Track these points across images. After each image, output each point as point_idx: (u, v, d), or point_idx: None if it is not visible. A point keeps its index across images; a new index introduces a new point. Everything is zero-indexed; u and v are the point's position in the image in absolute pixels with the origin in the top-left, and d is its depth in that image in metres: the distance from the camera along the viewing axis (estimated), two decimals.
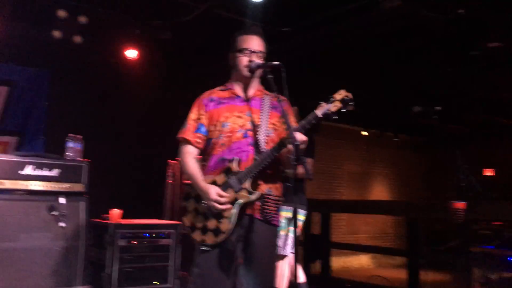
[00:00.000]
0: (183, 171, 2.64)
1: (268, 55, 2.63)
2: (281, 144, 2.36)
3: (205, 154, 2.61)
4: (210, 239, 2.42)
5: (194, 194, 2.53)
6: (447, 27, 5.06)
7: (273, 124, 2.57)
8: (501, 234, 5.57)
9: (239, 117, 2.53)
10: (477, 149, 9.84)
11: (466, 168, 3.48)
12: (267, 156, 2.39)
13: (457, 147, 3.61)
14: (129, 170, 5.69)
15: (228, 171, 2.45)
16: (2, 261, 3.71)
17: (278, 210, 2.54)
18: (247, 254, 2.46)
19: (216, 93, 2.64)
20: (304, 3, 4.84)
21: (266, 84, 2.53)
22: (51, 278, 3.89)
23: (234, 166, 2.43)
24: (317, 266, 7.03)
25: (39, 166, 3.99)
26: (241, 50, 2.56)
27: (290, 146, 2.24)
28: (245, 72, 2.55)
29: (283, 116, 2.41)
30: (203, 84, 2.87)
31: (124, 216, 4.55)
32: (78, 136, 4.28)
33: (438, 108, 3.68)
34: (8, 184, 3.85)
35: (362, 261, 9.99)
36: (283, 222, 3.21)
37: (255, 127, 2.51)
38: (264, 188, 2.48)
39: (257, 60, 2.53)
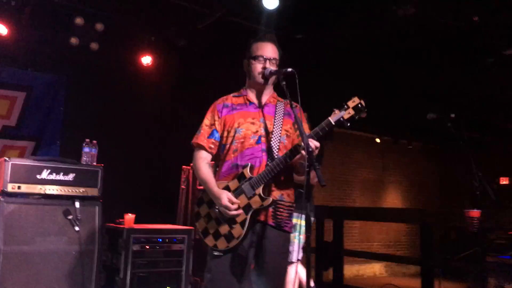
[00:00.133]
0: (196, 176, 2.66)
1: (282, 62, 2.64)
2: (294, 150, 2.37)
3: (218, 159, 2.63)
4: (222, 244, 2.43)
5: (207, 199, 2.55)
6: (463, 33, 5.03)
7: (286, 130, 2.58)
8: None
9: (253, 123, 2.55)
10: (493, 157, 9.72)
11: (481, 176, 3.44)
12: (280, 163, 2.40)
13: (472, 155, 3.57)
14: (143, 175, 5.74)
15: (241, 177, 2.46)
16: (18, 264, 3.76)
17: (290, 217, 2.55)
18: (259, 260, 2.47)
19: (231, 99, 2.66)
20: (318, 11, 4.85)
21: (280, 90, 2.55)
22: (65, 281, 3.93)
23: (247, 172, 2.45)
24: (329, 274, 6.99)
25: (56, 170, 4.04)
26: (255, 57, 2.59)
27: (303, 152, 2.25)
28: (259, 79, 2.57)
29: (296, 122, 2.42)
30: (217, 90, 2.90)
31: (137, 221, 4.58)
32: (93, 141, 4.34)
33: (452, 115, 3.66)
34: (25, 188, 3.90)
35: (375, 269, 9.90)
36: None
37: (268, 134, 2.53)
38: (276, 194, 2.49)
39: (271, 67, 2.55)
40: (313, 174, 2.19)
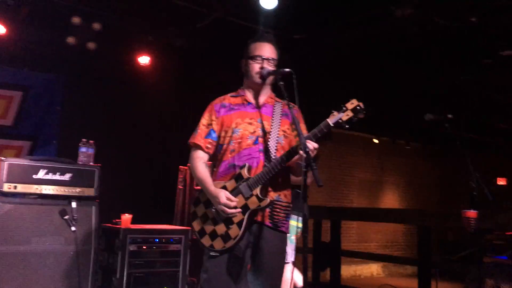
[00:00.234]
0: (193, 176, 2.65)
1: (280, 62, 2.64)
2: (293, 151, 2.37)
3: (215, 159, 2.63)
4: (218, 244, 2.43)
5: (203, 199, 2.54)
6: (460, 34, 5.04)
7: (284, 131, 2.58)
8: None
9: (250, 123, 2.55)
10: (490, 157, 9.75)
11: (478, 176, 3.44)
12: (278, 164, 2.39)
13: (470, 156, 3.57)
14: (140, 175, 5.72)
15: (238, 177, 2.45)
16: (14, 264, 3.74)
17: (287, 217, 2.55)
18: (255, 261, 2.47)
19: (228, 99, 2.65)
20: (317, 11, 4.85)
21: (277, 91, 2.54)
22: (62, 282, 3.92)
23: (245, 172, 2.44)
24: (327, 275, 6.99)
25: (52, 170, 4.03)
26: (253, 57, 2.59)
27: (301, 152, 2.25)
28: (257, 79, 2.57)
29: (294, 123, 2.41)
30: (215, 90, 2.89)
31: (134, 221, 4.56)
32: (90, 141, 4.32)
33: (450, 116, 3.65)
34: (21, 188, 3.88)
35: (372, 269, 9.91)
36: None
37: (266, 134, 2.52)
38: (273, 194, 2.49)
39: (269, 67, 2.55)
40: (309, 174, 2.19)
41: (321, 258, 6.88)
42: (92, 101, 5.57)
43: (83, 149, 4.28)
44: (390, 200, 10.71)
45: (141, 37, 5.61)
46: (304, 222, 2.17)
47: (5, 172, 3.80)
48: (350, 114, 2.35)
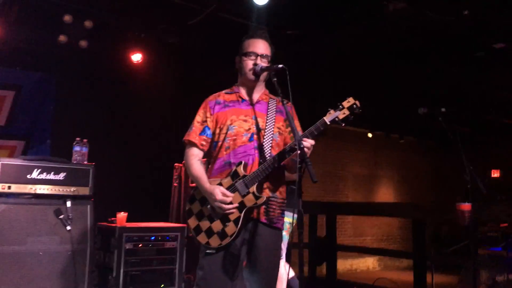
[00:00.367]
0: (188, 173, 2.65)
1: (274, 59, 2.64)
2: (289, 150, 2.37)
3: (209, 156, 2.62)
4: (215, 242, 2.43)
5: (199, 196, 2.53)
6: (452, 28, 5.05)
7: (279, 128, 2.58)
8: (508, 236, 5.54)
9: (245, 120, 2.54)
10: (484, 150, 9.81)
11: (472, 169, 3.46)
12: (274, 161, 2.41)
13: (463, 149, 3.59)
14: (135, 174, 5.71)
15: (234, 175, 2.45)
16: (10, 264, 3.73)
17: (282, 213, 2.55)
18: (251, 257, 2.47)
19: (223, 96, 2.65)
20: (308, 7, 4.84)
21: (272, 87, 2.54)
22: (58, 281, 3.91)
23: (241, 170, 2.44)
24: (323, 269, 7.01)
25: (46, 170, 4.01)
26: (247, 54, 2.58)
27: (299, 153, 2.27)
28: (250, 75, 2.56)
29: (288, 119, 2.42)
30: (209, 87, 2.89)
31: (130, 219, 4.56)
32: (84, 140, 4.30)
33: (443, 109, 3.67)
34: (15, 188, 3.87)
35: (368, 263, 9.96)
36: None
37: (260, 131, 2.52)
38: (269, 191, 2.49)
39: (262, 64, 2.55)
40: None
41: (317, 253, 6.90)
42: (85, 99, 5.55)
43: (77, 148, 4.26)
44: (384, 194, 10.75)
45: (133, 34, 5.59)
46: (300, 218, 2.17)
47: None
48: (347, 112, 2.39)
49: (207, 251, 2.45)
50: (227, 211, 2.40)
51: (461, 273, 5.14)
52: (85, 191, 4.15)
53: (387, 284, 6.56)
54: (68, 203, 4.01)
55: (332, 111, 2.40)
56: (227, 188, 2.44)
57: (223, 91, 2.68)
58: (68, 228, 3.98)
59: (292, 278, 3.95)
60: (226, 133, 2.52)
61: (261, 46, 2.58)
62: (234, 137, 2.51)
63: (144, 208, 5.25)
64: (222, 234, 2.42)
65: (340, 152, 9.82)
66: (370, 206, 8.37)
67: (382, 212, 7.66)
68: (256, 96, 2.63)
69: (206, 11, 4.95)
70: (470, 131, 9.30)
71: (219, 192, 2.39)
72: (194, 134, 2.59)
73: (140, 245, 4.42)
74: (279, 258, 2.63)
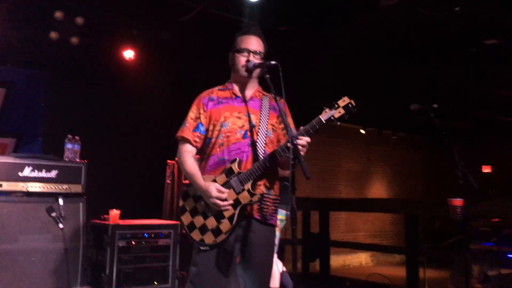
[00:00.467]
0: (181, 170, 2.64)
1: (267, 55, 2.63)
2: (286, 147, 2.37)
3: (202, 153, 2.61)
4: (209, 239, 2.43)
5: (192, 193, 2.53)
6: (444, 24, 5.07)
7: (272, 125, 2.58)
8: (500, 231, 5.59)
9: (239, 117, 2.54)
10: (475, 146, 9.87)
11: (464, 165, 3.48)
12: (270, 159, 2.41)
13: (455, 144, 3.61)
14: (127, 171, 5.70)
15: (229, 172, 2.45)
16: (2, 263, 3.71)
17: (276, 210, 2.55)
18: (245, 254, 2.47)
19: (216, 92, 2.64)
20: (301, 3, 4.84)
21: (265, 84, 2.54)
22: (50, 279, 3.89)
23: (235, 167, 2.44)
24: (316, 265, 7.04)
25: (38, 167, 3.99)
26: (239, 50, 2.57)
27: (300, 143, 2.28)
28: (243, 72, 2.56)
29: (281, 116, 2.42)
30: (202, 83, 2.88)
31: (123, 217, 4.55)
32: (76, 137, 4.28)
33: (435, 105, 3.69)
34: (7, 186, 3.85)
35: (361, 259, 10.01)
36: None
37: (254, 128, 2.52)
38: (263, 188, 2.49)
39: (255, 60, 2.54)
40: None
41: (310, 249, 6.92)
42: (77, 96, 5.52)
43: (68, 146, 4.24)
44: (377, 190, 10.80)
45: (125, 31, 5.56)
46: (293, 214, 2.17)
47: None
48: (342, 111, 2.40)
49: (201, 247, 2.45)
50: (222, 208, 2.40)
51: (453, 267, 5.18)
52: (77, 188, 4.14)
53: (380, 280, 6.60)
54: (60, 201, 4.00)
55: (327, 110, 2.41)
56: (222, 185, 2.43)
57: (216, 88, 2.67)
58: (61, 226, 3.96)
59: (283, 272, 3.98)
60: (220, 130, 2.51)
61: (253, 43, 2.58)
62: (228, 134, 2.50)
63: (137, 205, 5.24)
64: (217, 231, 2.41)
65: (333, 148, 9.85)
66: (363, 202, 8.40)
67: (375, 208, 7.70)
68: (249, 92, 2.63)
69: (198, 7, 4.93)
70: (462, 127, 9.37)
71: (214, 188, 2.39)
72: (187, 130, 2.58)
73: (133, 243, 4.41)
74: (272, 254, 2.63)
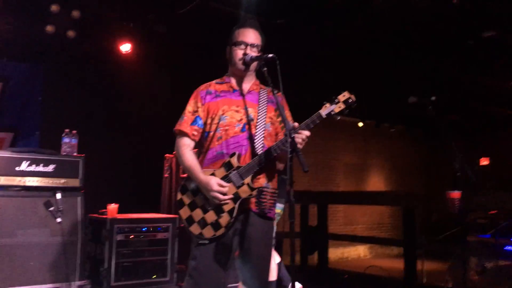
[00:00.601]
0: (180, 164, 2.63)
1: (265, 48, 2.62)
2: (286, 142, 2.37)
3: (200, 147, 2.61)
4: (208, 232, 2.42)
5: (190, 186, 2.52)
6: (442, 17, 5.06)
7: (271, 118, 2.58)
8: (497, 223, 5.60)
9: (237, 111, 2.53)
10: (473, 138, 9.88)
11: (461, 157, 3.49)
12: (268, 153, 2.42)
13: (453, 137, 3.61)
14: (125, 165, 5.68)
15: (228, 166, 2.44)
16: (0, 257, 3.71)
17: (274, 204, 2.55)
18: (243, 247, 2.47)
19: (214, 86, 2.63)
20: None
21: (262, 77, 2.53)
22: (49, 273, 3.90)
23: (235, 160, 2.43)
24: (314, 258, 7.06)
25: (35, 162, 3.98)
26: (236, 43, 2.56)
27: (298, 137, 2.30)
28: (240, 65, 2.54)
29: (278, 109, 2.42)
30: (199, 77, 2.86)
31: (121, 211, 4.55)
32: (73, 131, 4.27)
33: (433, 98, 3.69)
34: (4, 180, 3.84)
35: (359, 251, 10.04)
36: None
37: (252, 121, 2.51)
38: (262, 181, 2.49)
39: (252, 53, 2.53)
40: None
41: (308, 242, 6.94)
42: (74, 90, 5.50)
43: (66, 140, 4.23)
44: (375, 182, 10.81)
45: (122, 25, 5.52)
46: (291, 208, 2.17)
47: None
48: (342, 106, 2.43)
49: (200, 241, 2.45)
50: (222, 202, 2.39)
51: (451, 260, 5.20)
52: (75, 182, 4.13)
53: (378, 272, 6.63)
54: (58, 195, 3.99)
55: (327, 105, 2.43)
56: (221, 179, 2.42)
57: (214, 81, 2.66)
58: (59, 220, 3.96)
59: (279, 264, 3.99)
60: (218, 123, 2.51)
61: (251, 36, 2.56)
62: (226, 128, 2.50)
63: (135, 199, 5.23)
64: (216, 225, 2.41)
65: (331, 141, 9.84)
66: (361, 195, 8.41)
67: (373, 201, 7.71)
68: (247, 86, 2.62)
69: (196, 0, 4.90)
70: (460, 120, 9.36)
71: (215, 182, 2.38)
72: (185, 124, 2.57)
73: (131, 236, 4.41)
74: (271, 247, 2.64)
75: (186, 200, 2.52)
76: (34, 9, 4.98)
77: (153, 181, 5.53)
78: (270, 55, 2.41)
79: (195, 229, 2.46)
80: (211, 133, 2.53)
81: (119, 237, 4.34)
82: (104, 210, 4.49)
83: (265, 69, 2.43)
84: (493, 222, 5.84)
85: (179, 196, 2.55)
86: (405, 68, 6.77)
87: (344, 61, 6.32)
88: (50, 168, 4.03)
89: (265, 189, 2.48)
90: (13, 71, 5.31)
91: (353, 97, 2.44)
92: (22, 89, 5.35)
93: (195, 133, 2.57)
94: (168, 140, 2.89)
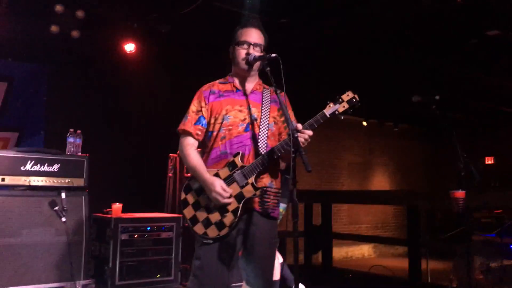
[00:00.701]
0: (184, 163, 2.64)
1: (268, 47, 2.62)
2: (289, 141, 2.38)
3: (204, 146, 2.61)
4: (212, 232, 2.43)
5: (195, 186, 2.52)
6: (446, 15, 5.04)
7: (274, 117, 2.58)
8: (502, 222, 5.58)
9: (241, 111, 2.53)
10: (478, 137, 9.85)
11: (466, 157, 3.48)
12: (272, 153, 2.42)
13: (457, 136, 3.60)
14: (130, 164, 5.70)
15: (232, 165, 2.45)
16: (5, 256, 3.73)
17: (277, 203, 2.55)
18: (247, 247, 2.47)
19: (217, 85, 2.63)
20: None
21: (266, 77, 2.53)
22: (53, 272, 3.92)
23: (239, 160, 2.44)
24: (319, 257, 7.06)
25: (40, 161, 4.00)
26: (239, 43, 2.56)
27: (301, 137, 2.30)
28: (243, 65, 2.55)
29: (282, 109, 2.42)
30: (203, 77, 2.87)
31: (125, 210, 4.56)
32: (78, 131, 4.29)
33: (437, 97, 3.68)
34: (9, 180, 3.86)
35: (363, 251, 10.03)
36: None
37: (256, 121, 2.52)
38: (266, 181, 2.50)
39: (255, 53, 2.53)
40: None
41: (312, 241, 6.94)
42: (78, 90, 5.52)
43: (70, 139, 4.25)
44: (379, 181, 10.79)
45: (126, 24, 5.54)
46: (294, 207, 2.17)
47: None
48: (346, 106, 2.45)
49: (204, 241, 2.45)
50: (223, 202, 2.40)
51: (455, 259, 5.18)
52: (79, 182, 4.15)
53: (382, 271, 6.62)
54: (63, 195, 4.01)
55: (331, 104, 2.44)
56: (225, 179, 2.43)
57: (217, 81, 2.66)
58: (63, 219, 3.98)
59: (282, 264, 3.99)
60: (222, 123, 2.51)
61: (253, 35, 2.57)
62: (230, 127, 2.50)
63: (139, 198, 5.25)
64: (220, 225, 2.42)
65: (334, 140, 9.83)
66: (365, 194, 8.40)
67: (377, 200, 7.70)
68: (250, 86, 2.62)
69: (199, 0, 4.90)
70: (464, 118, 9.33)
71: (219, 184, 2.39)
72: (189, 123, 2.57)
73: (135, 236, 4.43)
74: (275, 247, 2.64)
75: (190, 199, 2.53)
76: (38, 9, 5.00)
77: (157, 180, 5.54)
78: (273, 55, 2.41)
79: (199, 228, 2.46)
80: (215, 133, 2.53)
81: (124, 237, 4.35)
82: (109, 209, 4.50)
83: (268, 68, 2.43)
84: (498, 221, 5.82)
85: (183, 195, 2.56)
86: (409, 66, 6.75)
87: (348, 60, 6.31)
88: (55, 167, 4.05)
89: (269, 189, 2.49)
90: (17, 71, 5.34)
91: (356, 96, 2.45)
92: (27, 89, 5.38)
93: (199, 132, 2.57)
94: (172, 139, 2.90)
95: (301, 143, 2.29)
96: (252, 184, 2.41)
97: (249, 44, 2.54)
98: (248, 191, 2.42)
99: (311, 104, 2.45)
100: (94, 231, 4.48)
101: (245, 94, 2.59)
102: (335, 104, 2.43)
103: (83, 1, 5.06)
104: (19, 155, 3.95)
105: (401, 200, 6.96)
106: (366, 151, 10.61)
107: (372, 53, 6.20)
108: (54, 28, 5.07)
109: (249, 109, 2.54)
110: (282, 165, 2.61)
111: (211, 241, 2.43)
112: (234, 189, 2.42)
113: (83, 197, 4.15)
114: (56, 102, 5.45)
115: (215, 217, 2.43)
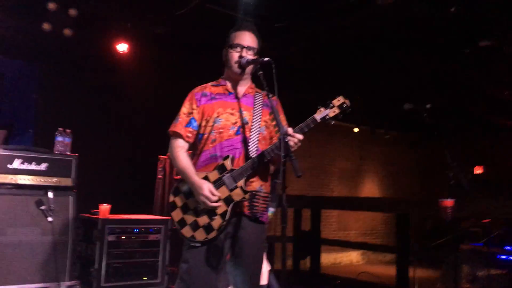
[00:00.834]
0: (173, 165, 2.61)
1: (262, 51, 2.61)
2: (272, 149, 2.38)
3: (194, 149, 2.59)
4: (200, 235, 2.41)
5: (183, 189, 2.50)
6: (439, 24, 5.08)
7: (265, 121, 2.57)
8: (490, 232, 5.61)
9: (232, 114, 2.52)
10: (468, 146, 9.91)
11: (455, 166, 3.49)
12: (262, 157, 2.41)
13: (447, 145, 3.62)
14: (119, 165, 5.66)
15: (221, 168, 2.43)
16: None
17: (266, 207, 2.54)
18: (235, 251, 2.46)
19: (209, 88, 2.62)
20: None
21: (258, 81, 2.52)
22: (39, 273, 3.87)
23: (228, 163, 2.42)
24: (307, 263, 7.05)
25: (28, 160, 3.95)
26: (232, 46, 2.55)
27: (290, 141, 2.29)
28: (235, 68, 2.54)
29: (273, 113, 2.41)
30: (196, 79, 2.86)
31: (113, 211, 4.52)
32: (67, 130, 4.24)
33: (428, 105, 3.70)
34: None
35: (352, 257, 10.04)
36: None
37: (247, 125, 2.50)
38: (256, 185, 2.48)
39: (248, 56, 2.52)
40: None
41: (301, 247, 6.93)
42: (69, 89, 5.48)
43: (59, 138, 4.21)
44: (370, 188, 10.82)
45: (119, 24, 5.51)
46: (283, 212, 2.16)
47: None
48: (337, 111, 2.45)
49: (191, 244, 2.43)
50: (210, 206, 2.38)
51: (443, 267, 5.20)
52: (67, 182, 4.11)
53: (370, 278, 6.62)
54: (50, 194, 3.97)
55: (322, 109, 2.43)
56: (214, 182, 2.42)
57: (210, 83, 2.65)
58: (50, 219, 3.93)
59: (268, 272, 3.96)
60: (213, 125, 2.50)
61: (247, 39, 2.56)
62: (221, 130, 2.48)
63: (128, 200, 5.21)
64: (208, 228, 2.40)
65: (325, 146, 9.84)
66: (354, 200, 8.41)
67: (367, 207, 7.71)
68: (242, 89, 2.61)
69: (194, 1, 4.89)
70: (455, 127, 9.38)
71: (207, 187, 2.37)
72: (180, 125, 2.56)
73: (123, 237, 4.38)
74: (263, 252, 2.62)
75: (179, 202, 2.50)
76: (31, 6, 4.96)
77: (146, 182, 5.50)
78: (266, 59, 2.40)
79: (187, 231, 2.44)
80: (205, 136, 2.51)
81: (111, 238, 4.31)
82: (96, 210, 4.46)
83: (261, 72, 2.42)
84: (486, 230, 5.85)
85: (171, 198, 2.54)
86: (401, 74, 6.79)
87: (341, 66, 6.33)
88: (43, 166, 4.00)
89: (258, 193, 2.47)
90: (8, 68, 5.30)
91: (347, 102, 2.45)
92: (17, 86, 5.33)
93: (189, 135, 2.55)
94: (162, 141, 2.87)
95: (291, 147, 2.28)
96: (241, 187, 2.40)
97: (242, 47, 2.53)
98: (237, 194, 2.40)
99: (304, 109, 2.44)
100: (81, 231, 4.43)
101: (237, 97, 2.58)
102: (326, 109, 2.43)
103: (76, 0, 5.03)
104: (7, 152, 3.90)
105: (391, 207, 6.98)
106: (357, 158, 10.63)
107: (365, 59, 6.22)
108: (46, 26, 5.03)
109: (241, 113, 2.53)
110: (272, 168, 2.60)
111: (199, 244, 2.41)
112: (223, 192, 2.40)
113: (71, 197, 4.11)
114: (46, 100, 5.41)
115: (203, 220, 2.41)
